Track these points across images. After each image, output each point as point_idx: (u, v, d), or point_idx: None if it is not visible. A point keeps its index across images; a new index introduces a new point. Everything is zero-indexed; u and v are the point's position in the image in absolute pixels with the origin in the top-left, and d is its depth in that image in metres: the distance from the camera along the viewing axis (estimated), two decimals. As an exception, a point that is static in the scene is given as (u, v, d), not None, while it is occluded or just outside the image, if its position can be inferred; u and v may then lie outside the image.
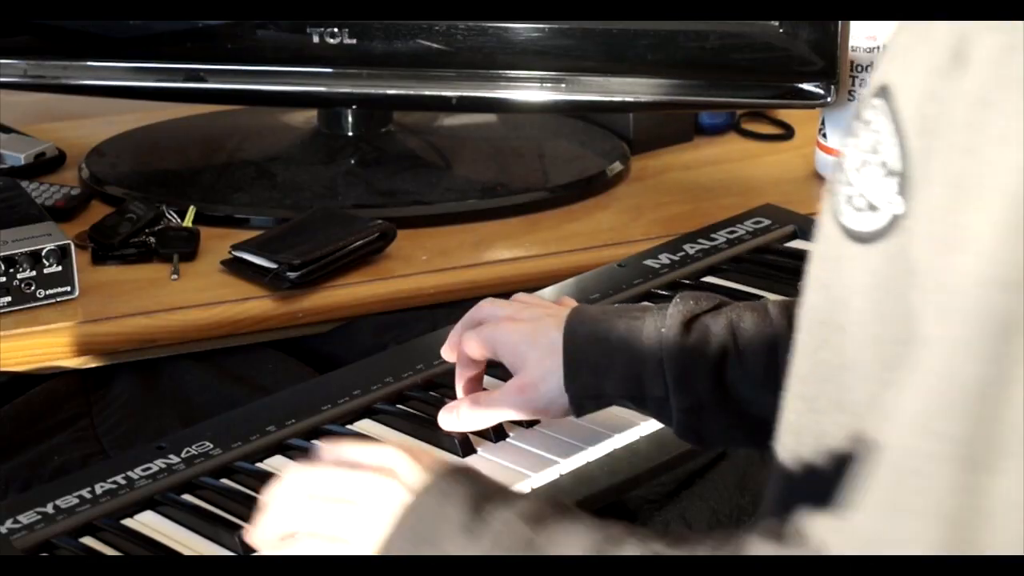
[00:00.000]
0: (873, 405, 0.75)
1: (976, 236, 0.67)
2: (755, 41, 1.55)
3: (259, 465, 1.14)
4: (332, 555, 0.88)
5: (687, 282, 1.38)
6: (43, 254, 1.35)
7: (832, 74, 1.55)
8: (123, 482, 1.09)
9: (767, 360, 1.03)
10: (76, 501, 1.07)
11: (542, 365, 1.09)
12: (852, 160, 0.77)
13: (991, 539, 0.67)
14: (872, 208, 0.75)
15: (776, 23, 1.54)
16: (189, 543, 1.05)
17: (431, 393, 1.23)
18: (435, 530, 0.83)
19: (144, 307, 1.38)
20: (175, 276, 1.43)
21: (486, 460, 1.13)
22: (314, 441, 1.16)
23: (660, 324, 1.06)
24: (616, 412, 1.14)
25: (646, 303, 1.03)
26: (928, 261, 0.70)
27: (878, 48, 1.65)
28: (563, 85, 1.58)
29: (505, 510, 0.82)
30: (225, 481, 1.12)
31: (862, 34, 1.64)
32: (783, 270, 1.41)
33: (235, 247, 1.44)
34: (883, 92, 0.74)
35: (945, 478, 0.67)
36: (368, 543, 0.85)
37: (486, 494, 0.84)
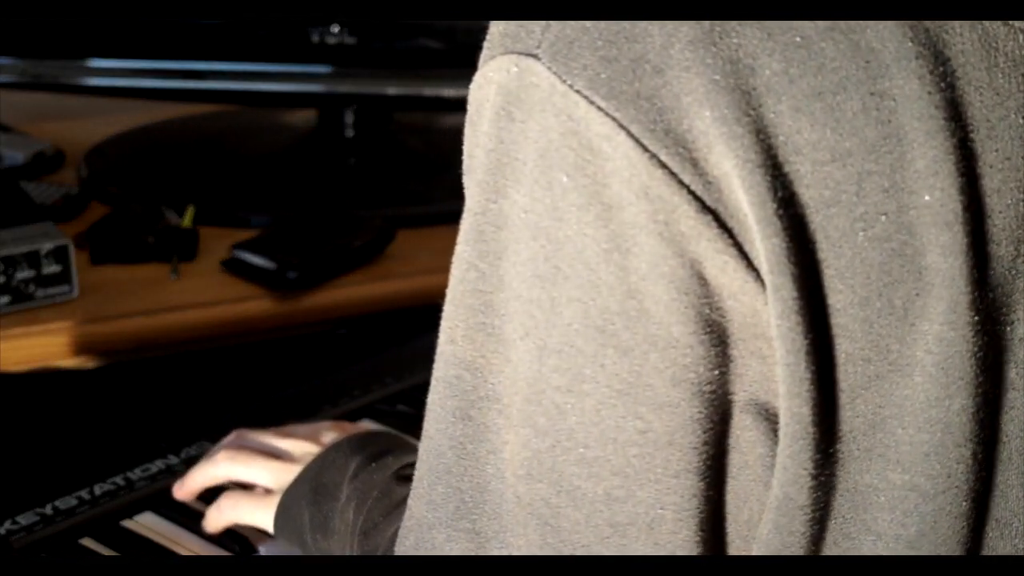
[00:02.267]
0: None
1: (446, 312, 0.68)
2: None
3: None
4: (326, 555, 0.91)
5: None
6: (42, 254, 1.35)
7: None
8: (122, 483, 1.09)
9: None
10: (75, 502, 1.07)
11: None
12: None
13: None
14: None
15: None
16: (188, 545, 1.04)
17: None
18: (331, 477, 0.97)
19: (144, 307, 1.38)
20: (175, 276, 1.43)
21: None
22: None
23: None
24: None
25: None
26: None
27: None
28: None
29: (387, 470, 0.94)
30: (225, 482, 1.12)
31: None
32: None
33: (235, 247, 1.44)
34: None
35: (448, 545, 0.67)
36: (282, 490, 1.01)
37: (383, 452, 0.97)
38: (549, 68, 0.60)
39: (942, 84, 0.60)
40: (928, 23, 0.60)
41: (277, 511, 1.01)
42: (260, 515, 1.02)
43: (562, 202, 0.60)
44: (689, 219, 0.59)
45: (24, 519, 1.05)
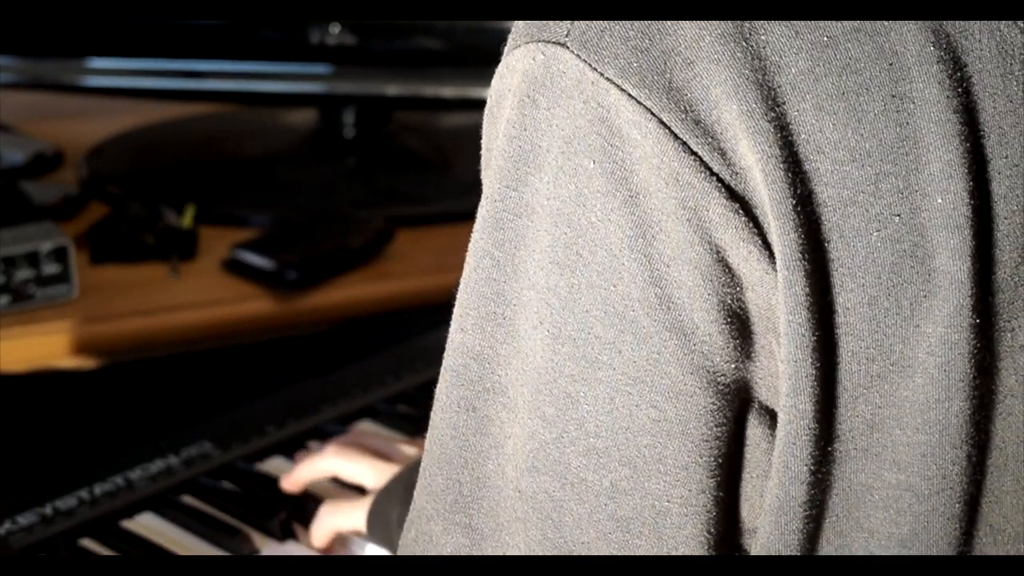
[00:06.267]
0: None
1: (458, 300, 0.67)
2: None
3: (258, 466, 1.14)
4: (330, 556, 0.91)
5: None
6: (42, 254, 1.35)
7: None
8: (122, 483, 1.09)
9: None
10: (75, 502, 1.07)
11: None
12: None
13: None
14: None
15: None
16: (188, 545, 1.04)
17: (431, 393, 1.22)
18: (389, 506, 0.96)
19: (143, 307, 1.38)
20: (175, 276, 1.43)
21: None
22: (314, 441, 1.16)
23: None
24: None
25: None
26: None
27: None
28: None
29: None
30: (224, 483, 1.12)
31: None
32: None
33: (235, 247, 1.44)
34: None
35: (444, 538, 0.67)
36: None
37: None
38: (578, 56, 0.60)
39: (959, 89, 0.60)
40: (950, 28, 0.60)
41: (370, 511, 1.00)
42: (356, 517, 1.02)
43: (587, 188, 0.60)
44: (719, 206, 0.59)
45: (23, 519, 1.04)
